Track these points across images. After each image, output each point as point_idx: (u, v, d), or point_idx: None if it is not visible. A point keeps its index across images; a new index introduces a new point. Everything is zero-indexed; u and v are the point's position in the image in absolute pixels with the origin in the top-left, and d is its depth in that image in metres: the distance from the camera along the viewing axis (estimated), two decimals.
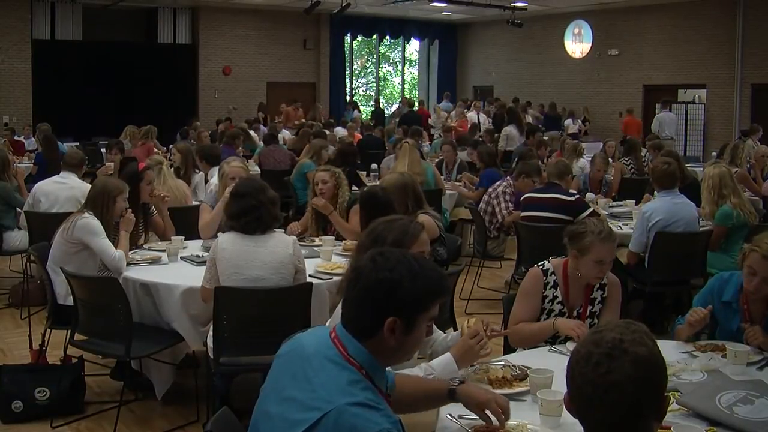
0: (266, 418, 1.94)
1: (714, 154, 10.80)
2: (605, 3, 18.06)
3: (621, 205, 7.01)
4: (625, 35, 18.54)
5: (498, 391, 2.49)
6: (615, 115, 17.98)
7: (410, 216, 4.30)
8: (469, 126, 15.29)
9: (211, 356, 3.77)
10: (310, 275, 4.04)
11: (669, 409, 1.85)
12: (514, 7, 18.14)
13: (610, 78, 18.97)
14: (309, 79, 21.13)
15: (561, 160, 7.21)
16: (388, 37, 23.58)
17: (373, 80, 26.02)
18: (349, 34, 22.28)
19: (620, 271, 4.58)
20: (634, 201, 6.98)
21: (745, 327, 3.10)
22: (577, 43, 19.86)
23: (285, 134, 14.15)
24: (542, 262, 3.41)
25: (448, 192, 8.15)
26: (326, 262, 4.46)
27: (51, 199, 6.26)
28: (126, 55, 18.21)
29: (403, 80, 24.76)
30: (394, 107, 21.40)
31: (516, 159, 9.58)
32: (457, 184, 8.55)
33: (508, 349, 3.46)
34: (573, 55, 19.93)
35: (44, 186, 6.39)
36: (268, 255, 3.79)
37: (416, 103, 19.90)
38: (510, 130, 13.67)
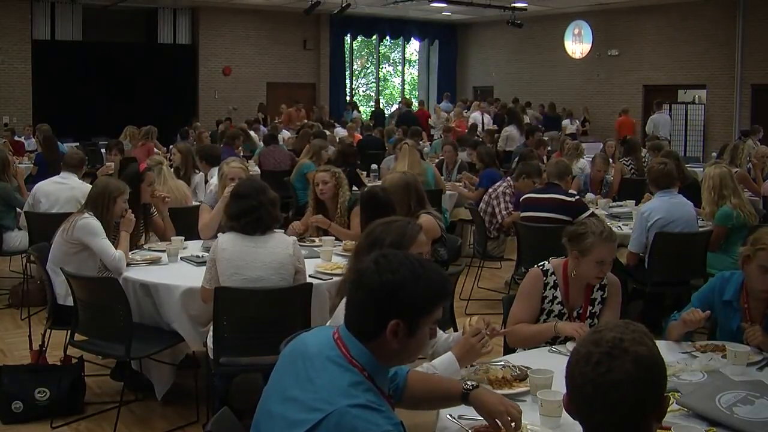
0: (268, 418, 1.94)
1: (714, 154, 10.81)
2: (605, 3, 18.06)
3: (621, 206, 7.00)
4: (625, 36, 18.54)
5: (498, 392, 2.49)
6: (615, 115, 17.91)
7: (412, 216, 4.30)
8: (468, 126, 15.29)
9: (211, 357, 3.76)
10: (310, 276, 4.03)
11: (669, 409, 1.85)
12: (514, 8, 18.14)
13: (610, 78, 18.97)
14: (309, 80, 21.14)
15: (561, 160, 7.20)
16: (388, 38, 23.59)
17: (373, 80, 26.02)
18: (349, 35, 22.28)
19: (620, 271, 4.58)
20: (634, 201, 6.98)
21: (746, 326, 3.09)
22: (577, 44, 19.86)
23: (285, 134, 14.15)
24: (542, 263, 3.41)
25: (448, 192, 8.15)
26: (326, 262, 4.46)
27: (51, 199, 6.26)
28: (126, 56, 18.22)
29: (403, 80, 24.76)
30: (394, 107, 21.40)
31: (516, 159, 9.58)
32: (457, 184, 8.54)
33: (508, 349, 3.45)
34: (573, 56, 19.94)
35: (44, 186, 6.40)
36: (268, 255, 3.79)
37: (415, 104, 19.90)
38: (510, 130, 13.68)
